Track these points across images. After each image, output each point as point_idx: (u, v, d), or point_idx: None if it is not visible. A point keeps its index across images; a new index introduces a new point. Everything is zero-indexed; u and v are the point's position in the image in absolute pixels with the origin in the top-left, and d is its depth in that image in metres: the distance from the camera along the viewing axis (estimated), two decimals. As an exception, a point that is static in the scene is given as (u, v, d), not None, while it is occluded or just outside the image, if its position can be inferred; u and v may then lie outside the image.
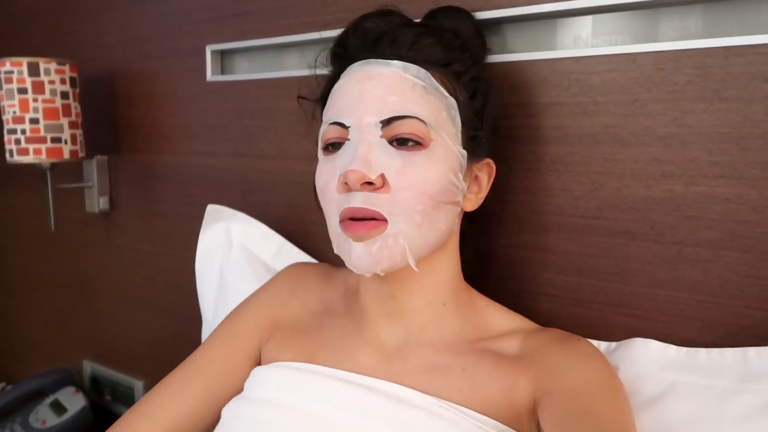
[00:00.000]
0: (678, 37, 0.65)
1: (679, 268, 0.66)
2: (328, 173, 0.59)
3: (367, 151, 0.55)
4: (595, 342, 0.68)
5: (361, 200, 0.55)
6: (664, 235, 0.66)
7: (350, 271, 0.73)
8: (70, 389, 1.32)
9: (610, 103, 0.67)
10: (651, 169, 0.66)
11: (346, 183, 0.56)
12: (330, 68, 0.66)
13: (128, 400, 1.31)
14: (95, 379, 1.38)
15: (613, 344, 0.68)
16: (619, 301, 0.70)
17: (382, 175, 0.55)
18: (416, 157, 0.56)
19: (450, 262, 0.64)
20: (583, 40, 0.70)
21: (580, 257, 0.71)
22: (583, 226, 0.71)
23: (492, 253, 0.78)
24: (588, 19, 0.70)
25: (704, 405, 0.59)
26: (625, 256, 0.69)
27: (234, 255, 0.93)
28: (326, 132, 0.60)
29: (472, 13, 0.72)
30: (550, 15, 0.71)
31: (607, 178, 0.68)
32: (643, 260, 0.68)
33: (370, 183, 0.55)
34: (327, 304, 0.71)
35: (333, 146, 0.60)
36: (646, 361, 0.64)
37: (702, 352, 0.62)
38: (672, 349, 0.64)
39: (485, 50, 0.72)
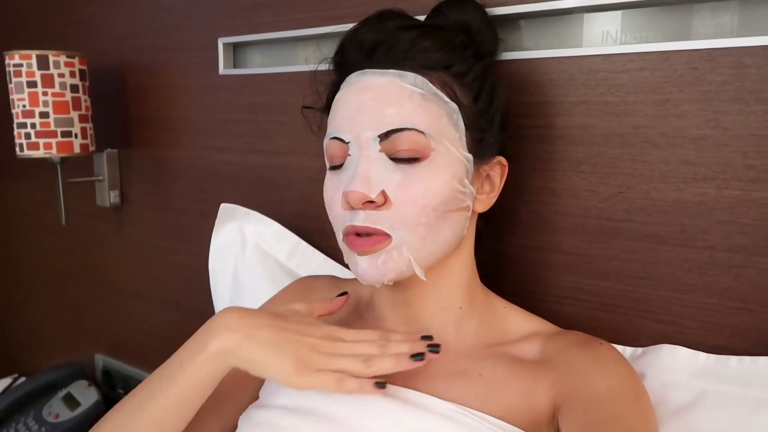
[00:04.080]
0: (713, 35, 0.62)
1: (710, 273, 0.64)
2: (333, 188, 0.59)
3: (367, 169, 0.55)
4: (620, 347, 0.67)
5: (362, 219, 0.55)
6: (694, 239, 0.64)
7: (359, 281, 0.72)
8: (83, 383, 1.32)
9: (640, 103, 0.65)
10: (682, 171, 0.64)
11: (347, 202, 0.55)
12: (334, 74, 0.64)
13: (141, 394, 1.30)
14: (107, 373, 1.38)
15: (639, 350, 0.67)
16: (646, 306, 0.68)
17: (383, 192, 0.55)
18: (417, 170, 0.55)
19: (464, 265, 0.63)
20: (612, 37, 0.68)
21: (606, 260, 0.70)
22: (610, 228, 0.69)
23: (515, 255, 0.76)
24: (617, 15, 0.67)
25: (736, 415, 0.57)
26: (653, 260, 0.67)
27: (248, 255, 0.91)
28: (328, 147, 0.60)
29: (485, 8, 0.69)
30: (576, 10, 0.69)
31: (636, 180, 0.66)
32: (672, 265, 0.66)
33: (371, 201, 0.55)
34: (337, 316, 0.70)
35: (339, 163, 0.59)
36: (675, 368, 0.62)
37: (733, 359, 0.61)
38: (701, 356, 0.62)
39: (497, 43, 0.69)
